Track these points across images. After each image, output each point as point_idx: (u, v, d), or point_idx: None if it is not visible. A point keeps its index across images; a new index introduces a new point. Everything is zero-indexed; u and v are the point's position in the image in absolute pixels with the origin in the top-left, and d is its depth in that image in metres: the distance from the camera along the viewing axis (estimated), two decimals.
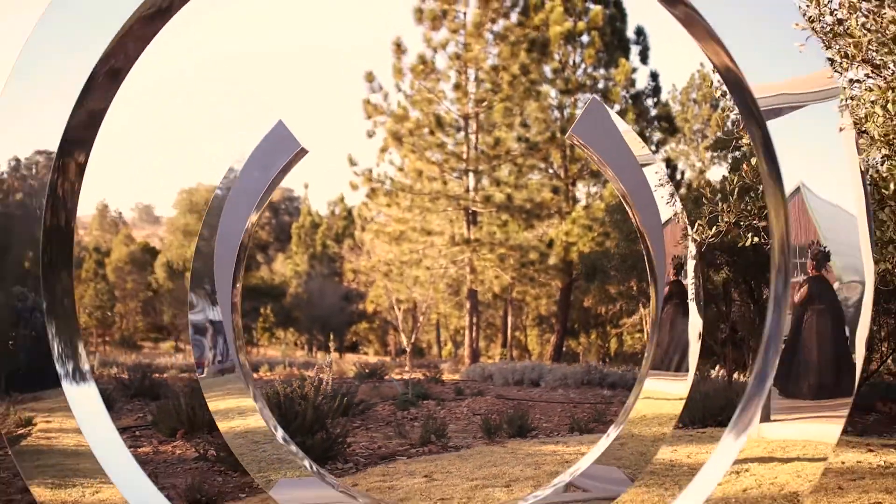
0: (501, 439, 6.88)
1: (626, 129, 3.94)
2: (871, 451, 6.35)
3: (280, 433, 3.77)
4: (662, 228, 3.87)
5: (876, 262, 5.50)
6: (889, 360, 13.18)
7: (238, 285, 3.79)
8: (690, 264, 3.78)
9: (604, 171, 3.95)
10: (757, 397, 2.44)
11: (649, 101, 21.25)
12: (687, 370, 3.82)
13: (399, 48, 19.26)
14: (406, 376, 13.77)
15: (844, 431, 8.25)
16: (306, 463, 3.77)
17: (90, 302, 48.33)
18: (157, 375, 12.29)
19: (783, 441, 2.45)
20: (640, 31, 22.26)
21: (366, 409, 8.52)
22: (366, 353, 35.70)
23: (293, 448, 3.78)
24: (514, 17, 20.09)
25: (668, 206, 3.91)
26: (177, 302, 49.41)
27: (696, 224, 6.14)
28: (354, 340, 38.72)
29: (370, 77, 19.56)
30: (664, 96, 32.96)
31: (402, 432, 7.03)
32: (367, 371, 13.98)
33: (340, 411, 6.85)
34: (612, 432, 3.80)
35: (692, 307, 3.74)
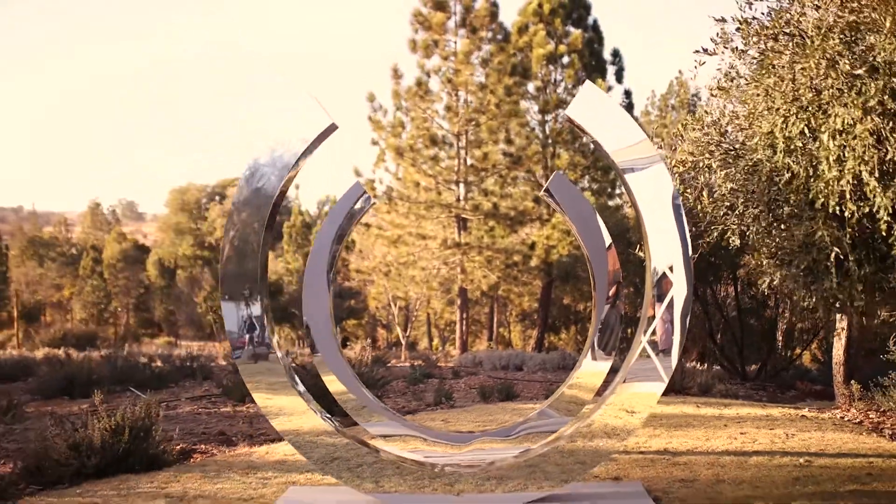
0: (493, 401, 9.10)
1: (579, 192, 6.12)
2: (762, 408, 8.64)
3: (370, 393, 5.88)
4: (607, 251, 5.96)
5: (763, 274, 7.84)
6: (816, 350, 15.64)
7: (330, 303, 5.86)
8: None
9: (560, 213, 6.09)
10: (621, 368, 4.54)
11: None
12: (612, 353, 5.98)
13: (396, 73, 21.33)
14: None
15: (760, 399, 10.64)
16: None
17: (87, 298, 49.68)
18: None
19: (634, 395, 4.30)
20: (616, 53, 24.32)
21: (384, 384, 10.70)
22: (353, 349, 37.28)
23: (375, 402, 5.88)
24: (498, 43, 22.19)
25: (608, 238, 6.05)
26: (168, 298, 50.49)
27: (639, 244, 8.41)
28: (344, 336, 40.33)
29: (371, 97, 21.61)
30: (641, 106, 35.31)
31: (419, 397, 9.25)
32: (372, 359, 16.14)
33: (370, 382, 9.03)
34: (562, 389, 5.98)
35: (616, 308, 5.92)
